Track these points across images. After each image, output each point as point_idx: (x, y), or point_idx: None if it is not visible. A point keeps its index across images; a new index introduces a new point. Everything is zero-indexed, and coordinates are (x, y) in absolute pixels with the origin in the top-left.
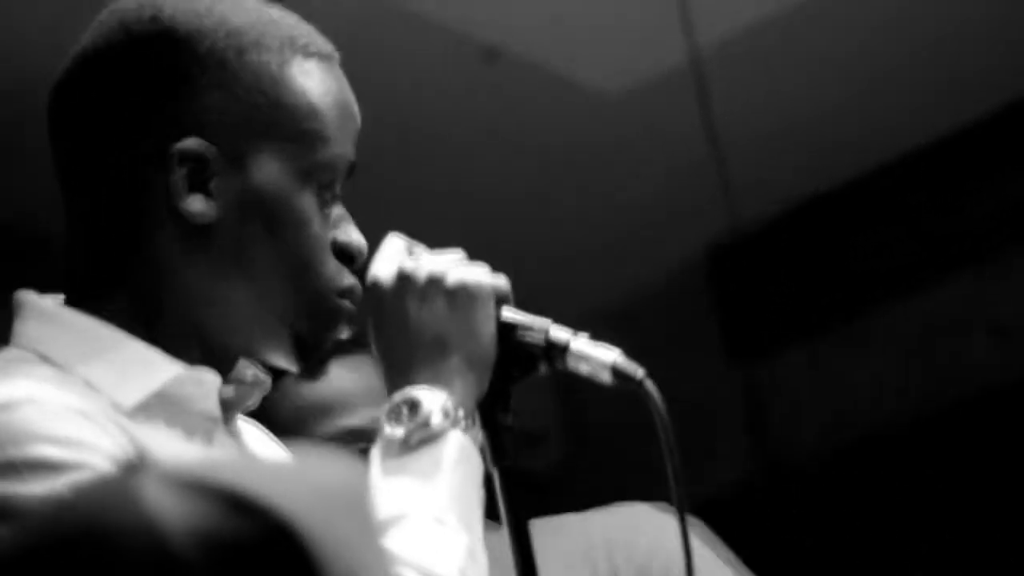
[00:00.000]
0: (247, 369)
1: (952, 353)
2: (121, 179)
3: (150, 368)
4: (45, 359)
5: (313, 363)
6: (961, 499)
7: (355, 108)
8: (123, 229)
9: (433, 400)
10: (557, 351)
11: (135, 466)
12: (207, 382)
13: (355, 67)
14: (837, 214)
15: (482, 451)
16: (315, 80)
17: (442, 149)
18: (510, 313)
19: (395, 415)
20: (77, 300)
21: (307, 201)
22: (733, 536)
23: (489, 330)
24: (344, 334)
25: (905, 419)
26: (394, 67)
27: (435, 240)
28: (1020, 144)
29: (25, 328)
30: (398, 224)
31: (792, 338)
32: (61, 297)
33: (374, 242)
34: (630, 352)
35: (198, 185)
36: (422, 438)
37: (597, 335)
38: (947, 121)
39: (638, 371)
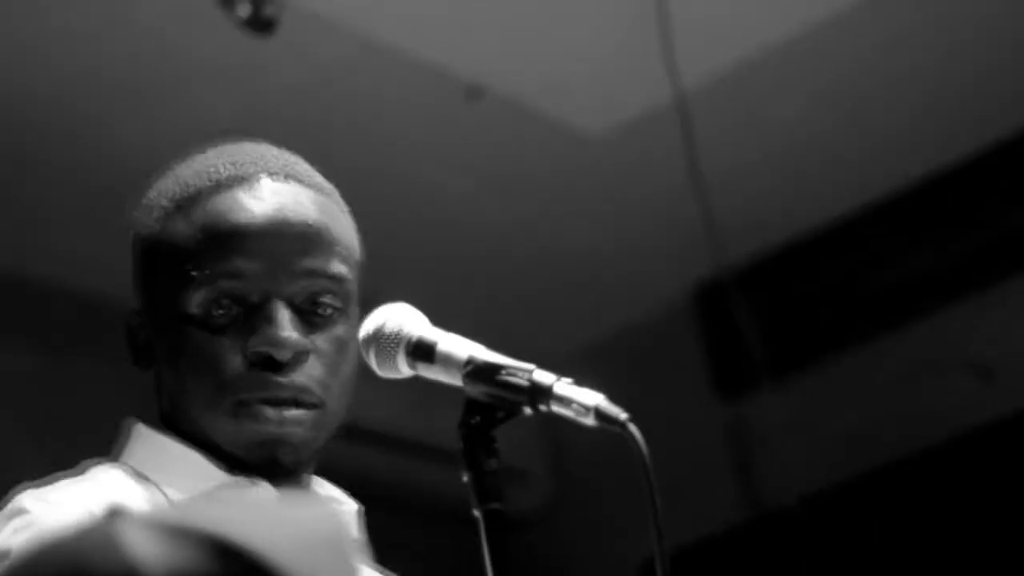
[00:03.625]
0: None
1: (937, 392)
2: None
3: (202, 476)
4: (125, 464)
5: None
6: (946, 538)
7: (246, 216)
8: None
9: None
10: (541, 394)
11: (117, 512)
12: (263, 489)
13: (339, 105)
14: (821, 252)
15: (467, 494)
16: (188, 224)
17: (425, 186)
18: (493, 357)
19: None
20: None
21: (195, 334)
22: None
23: None
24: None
25: (890, 458)
26: (377, 104)
27: (417, 277)
28: (1004, 182)
29: (126, 446)
30: (380, 263)
31: (777, 377)
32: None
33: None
34: (616, 390)
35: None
36: None
37: (583, 373)
38: (930, 159)
39: (621, 414)
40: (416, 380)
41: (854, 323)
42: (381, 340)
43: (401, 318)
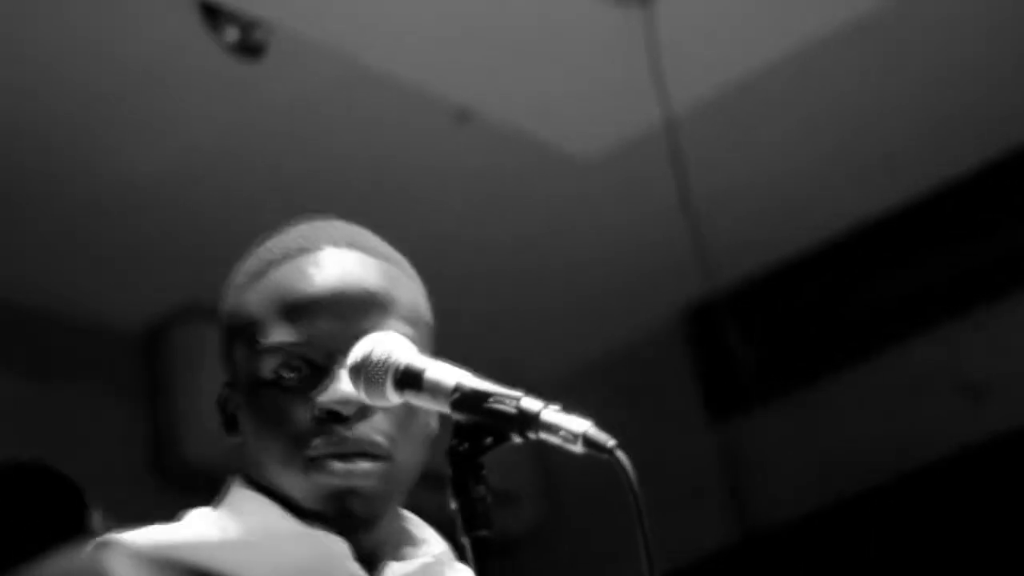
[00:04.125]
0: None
1: (928, 413)
2: None
3: (275, 526)
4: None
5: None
6: (938, 558)
7: (319, 286)
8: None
9: None
10: (529, 421)
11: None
12: (334, 546)
13: (328, 129)
14: (811, 274)
15: (455, 520)
16: (259, 293)
17: (415, 210)
18: (481, 384)
19: None
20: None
21: (265, 397)
22: None
23: None
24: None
25: (881, 480)
26: (366, 128)
27: None
28: (992, 204)
29: (222, 499)
30: None
31: (767, 400)
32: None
33: None
34: (606, 413)
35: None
36: None
37: (573, 396)
38: (918, 181)
39: (608, 441)
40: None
41: (844, 345)
42: (369, 368)
43: (389, 346)
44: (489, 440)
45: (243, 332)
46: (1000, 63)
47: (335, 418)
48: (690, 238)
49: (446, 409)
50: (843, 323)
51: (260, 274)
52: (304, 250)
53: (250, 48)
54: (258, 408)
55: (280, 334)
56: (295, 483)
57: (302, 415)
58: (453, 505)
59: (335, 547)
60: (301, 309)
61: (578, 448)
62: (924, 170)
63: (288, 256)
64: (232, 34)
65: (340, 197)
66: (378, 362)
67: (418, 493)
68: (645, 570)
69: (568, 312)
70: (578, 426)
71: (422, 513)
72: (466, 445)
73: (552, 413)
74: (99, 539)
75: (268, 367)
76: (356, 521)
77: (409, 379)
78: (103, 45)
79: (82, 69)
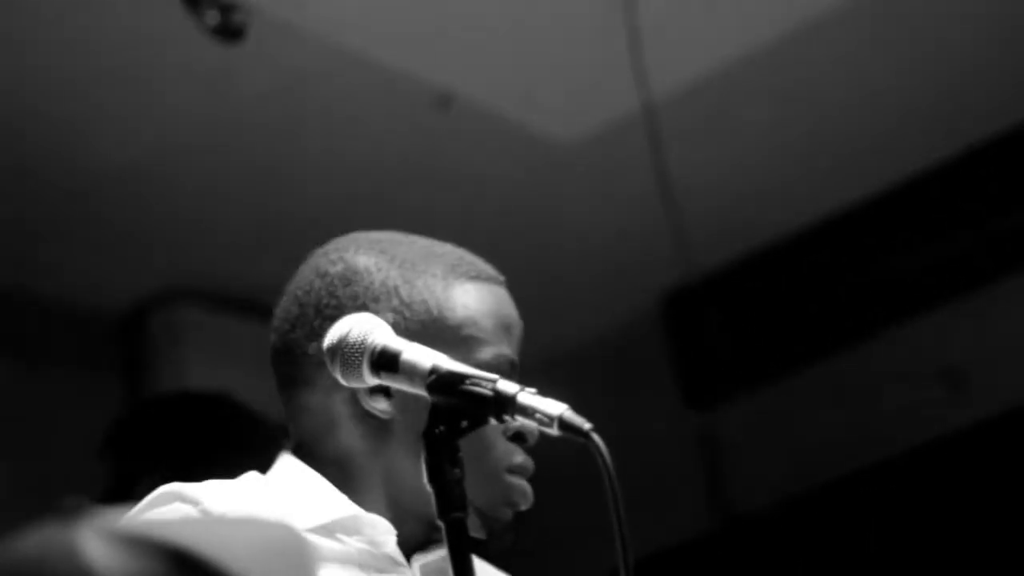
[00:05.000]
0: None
1: (907, 400)
2: (326, 384)
3: (334, 506)
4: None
5: (498, 534)
6: (917, 544)
7: (515, 319)
8: (325, 419)
9: None
10: (505, 404)
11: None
12: (379, 526)
13: (308, 113)
14: (791, 261)
15: (431, 503)
16: (473, 297)
17: (393, 194)
18: (458, 366)
19: None
20: (301, 454)
21: None
22: None
23: None
24: (523, 506)
25: (859, 465)
26: (346, 112)
27: None
28: (972, 191)
29: (276, 467)
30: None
31: (745, 387)
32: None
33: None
34: (584, 399)
35: (382, 388)
36: None
37: (552, 382)
38: (900, 166)
39: (584, 424)
40: None
41: (823, 331)
42: (346, 349)
43: (366, 327)
44: (465, 423)
45: (454, 330)
46: (982, 50)
47: (522, 441)
48: (669, 224)
49: (422, 391)
50: (822, 310)
51: (465, 276)
52: (484, 278)
53: (230, 31)
54: None
55: (498, 349)
56: (484, 485)
57: (500, 440)
58: (429, 487)
59: (380, 526)
60: (512, 333)
61: (554, 431)
62: (904, 157)
63: (478, 276)
64: (212, 17)
65: (320, 182)
66: (355, 343)
67: None
68: (619, 553)
69: (546, 297)
70: (554, 409)
71: None
72: (442, 428)
73: (528, 396)
74: (75, 516)
75: (486, 370)
76: (508, 540)
77: (386, 361)
78: (80, 32)
79: (60, 55)
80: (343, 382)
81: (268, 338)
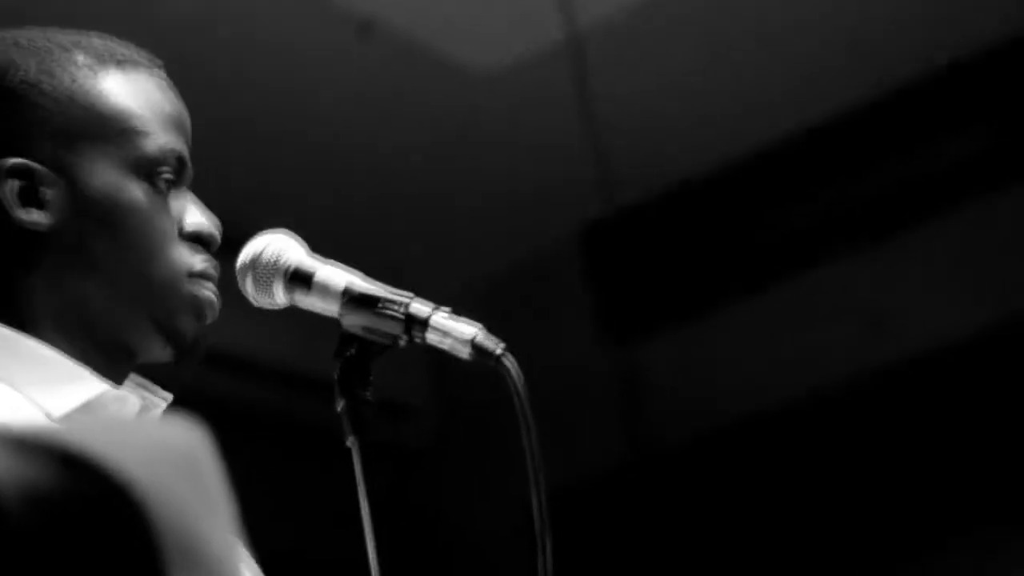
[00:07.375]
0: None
1: (827, 340)
2: None
3: (81, 384)
4: None
5: (187, 349)
6: (834, 482)
7: (177, 108)
8: None
9: None
10: (417, 324)
11: None
12: (129, 402)
13: (229, 38)
14: (715, 197)
15: (340, 423)
16: (128, 87)
17: (315, 122)
18: (372, 286)
19: None
20: None
21: (136, 192)
22: (603, 517)
23: None
24: (209, 317)
25: (777, 404)
26: (268, 39)
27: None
28: (897, 131)
29: None
30: (266, 196)
31: (665, 321)
32: None
33: (249, 207)
34: (503, 328)
35: (31, 198)
36: None
37: (470, 310)
38: (825, 107)
39: (498, 346)
40: (299, 311)
41: (746, 269)
42: (258, 268)
43: (280, 245)
44: (377, 345)
45: (109, 122)
46: None
47: (204, 242)
48: (592, 155)
49: (336, 313)
50: (745, 248)
51: (115, 64)
52: (139, 65)
53: None
54: (114, 228)
55: (163, 140)
56: (161, 294)
57: (171, 226)
58: (339, 408)
59: (131, 403)
60: (177, 123)
61: (466, 353)
62: (831, 95)
63: (131, 62)
64: None
65: (238, 107)
66: (268, 262)
67: (300, 398)
68: (532, 481)
69: (466, 225)
70: (467, 331)
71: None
72: (353, 350)
73: (441, 318)
74: None
75: (142, 177)
76: (197, 357)
77: (299, 280)
78: None
79: None
80: (254, 302)
81: None
